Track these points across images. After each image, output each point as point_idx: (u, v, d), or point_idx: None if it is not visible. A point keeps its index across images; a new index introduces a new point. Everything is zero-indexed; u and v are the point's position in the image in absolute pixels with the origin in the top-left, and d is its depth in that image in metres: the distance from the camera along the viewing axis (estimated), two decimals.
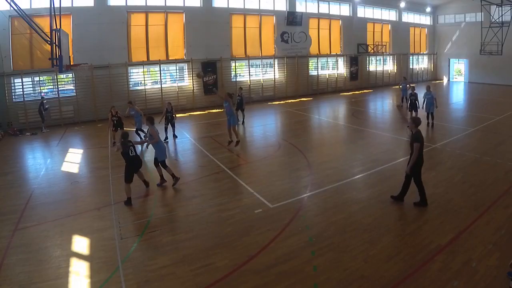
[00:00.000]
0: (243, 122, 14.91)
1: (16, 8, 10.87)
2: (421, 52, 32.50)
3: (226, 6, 20.56)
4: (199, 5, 19.61)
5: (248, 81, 21.63)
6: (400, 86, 18.10)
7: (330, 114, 18.08)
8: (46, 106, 15.10)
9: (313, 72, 24.68)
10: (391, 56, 29.72)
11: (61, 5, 11.82)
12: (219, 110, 18.50)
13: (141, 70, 18.32)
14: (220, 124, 14.98)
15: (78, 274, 4.75)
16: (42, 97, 15.42)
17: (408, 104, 13.02)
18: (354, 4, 26.09)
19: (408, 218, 6.05)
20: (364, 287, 4.34)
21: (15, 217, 6.53)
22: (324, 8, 24.89)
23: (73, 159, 10.48)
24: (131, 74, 18.18)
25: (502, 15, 24.60)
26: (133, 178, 7.08)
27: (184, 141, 12.36)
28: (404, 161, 9.32)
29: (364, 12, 27.22)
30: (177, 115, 13.12)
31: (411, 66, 31.31)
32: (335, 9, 25.55)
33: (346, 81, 26.42)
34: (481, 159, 9.05)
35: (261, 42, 22.16)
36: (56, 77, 16.11)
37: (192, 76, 19.41)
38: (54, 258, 5.19)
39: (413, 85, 19.09)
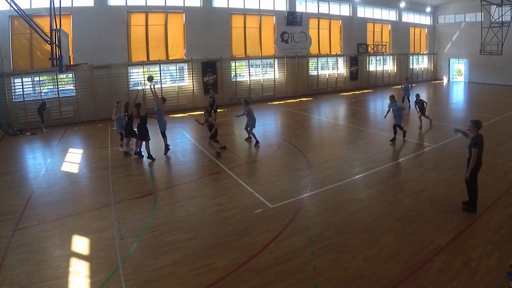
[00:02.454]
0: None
1: (16, 8, 10.85)
2: (421, 52, 32.50)
3: (226, 6, 20.56)
4: (199, 5, 19.61)
5: (248, 81, 21.63)
6: (402, 86, 18.17)
7: (330, 114, 18.07)
8: (47, 106, 15.10)
9: (313, 72, 24.67)
10: (391, 56, 29.73)
11: (61, 5, 11.78)
12: (219, 110, 18.50)
13: (141, 70, 18.32)
14: (220, 124, 14.97)
15: (78, 274, 4.75)
16: (43, 98, 15.40)
17: (417, 107, 13.00)
18: (354, 4, 26.09)
19: (408, 218, 6.04)
20: (364, 287, 4.34)
21: (15, 217, 6.53)
22: (324, 8, 24.89)
23: (73, 159, 10.48)
24: (131, 74, 18.18)
25: (502, 15, 24.60)
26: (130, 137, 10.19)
27: (184, 141, 12.37)
28: (404, 161, 9.37)
29: (364, 12, 27.22)
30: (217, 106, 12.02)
31: (411, 66, 31.31)
32: (335, 9, 25.55)
33: (346, 81, 26.43)
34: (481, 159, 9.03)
35: (261, 42, 22.16)
36: (56, 77, 16.11)
37: (192, 76, 19.43)
38: (54, 258, 5.19)
39: (414, 84, 19.15)
